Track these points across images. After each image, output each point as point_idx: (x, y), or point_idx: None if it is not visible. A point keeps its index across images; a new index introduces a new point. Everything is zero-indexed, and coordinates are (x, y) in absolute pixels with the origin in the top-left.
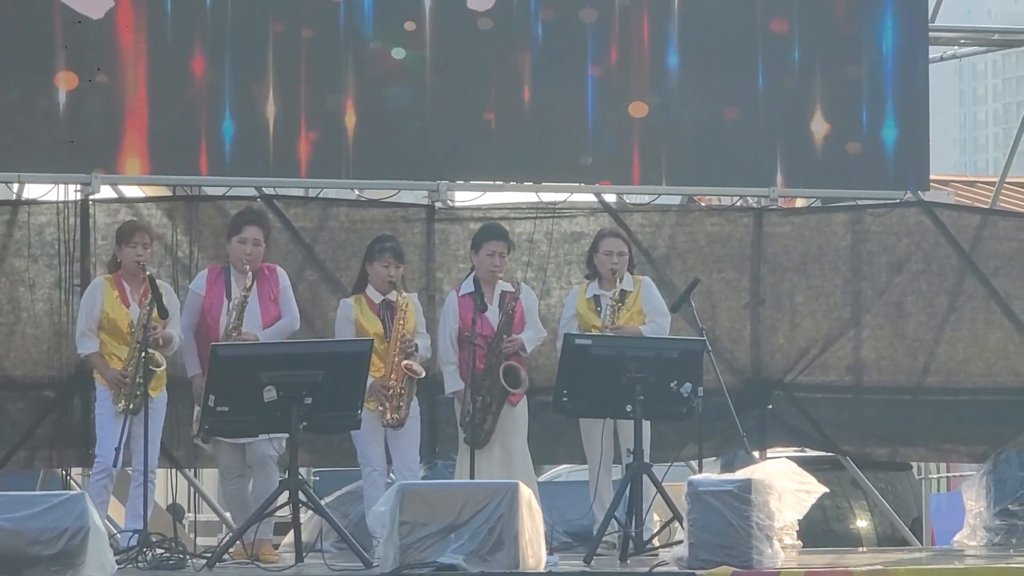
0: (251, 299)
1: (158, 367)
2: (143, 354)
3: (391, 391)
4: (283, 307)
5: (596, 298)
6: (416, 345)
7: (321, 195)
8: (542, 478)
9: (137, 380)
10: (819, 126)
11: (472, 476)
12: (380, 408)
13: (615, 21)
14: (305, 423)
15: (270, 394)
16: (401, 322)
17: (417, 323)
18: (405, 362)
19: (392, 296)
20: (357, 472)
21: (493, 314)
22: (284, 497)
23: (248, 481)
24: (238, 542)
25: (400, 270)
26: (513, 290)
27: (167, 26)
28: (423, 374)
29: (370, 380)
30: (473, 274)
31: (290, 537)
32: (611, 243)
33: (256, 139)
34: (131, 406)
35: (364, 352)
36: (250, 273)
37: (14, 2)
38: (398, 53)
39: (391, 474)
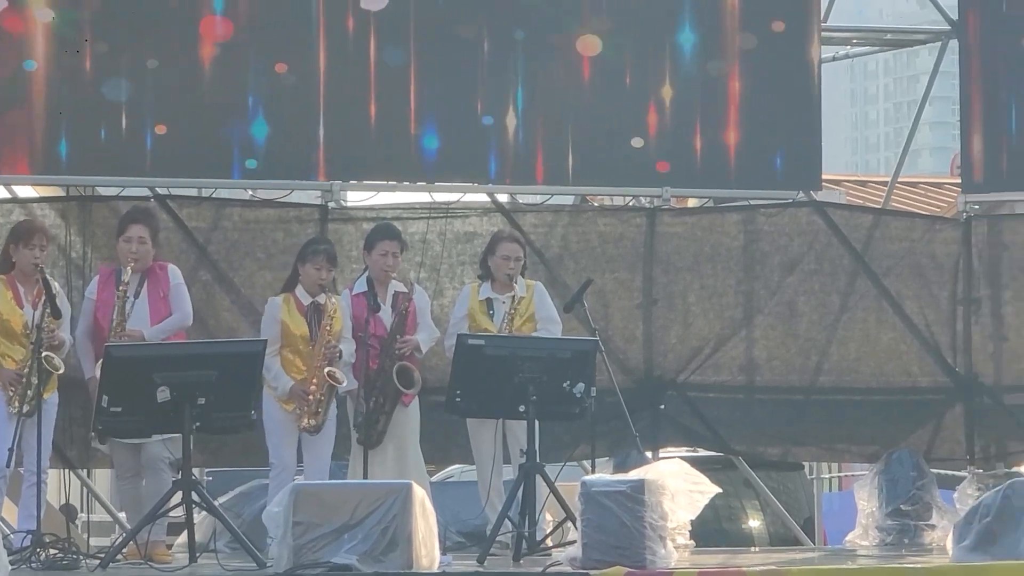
0: (140, 298)
1: (56, 370)
2: (39, 356)
3: (311, 396)
4: (174, 304)
5: (489, 301)
6: (340, 351)
7: (214, 195)
8: (435, 478)
9: (32, 381)
10: (713, 127)
11: (365, 476)
12: (298, 411)
13: None
14: (198, 423)
15: (163, 394)
16: (328, 327)
17: (344, 327)
18: (328, 369)
19: (321, 299)
20: (251, 472)
21: (386, 314)
22: (178, 497)
23: (143, 480)
24: (132, 542)
25: (332, 274)
26: (406, 290)
27: (59, 23)
28: (345, 383)
29: (291, 383)
30: (366, 274)
31: (183, 537)
32: (508, 247)
33: (151, 139)
34: (25, 408)
35: (258, 353)
36: (130, 270)
37: None
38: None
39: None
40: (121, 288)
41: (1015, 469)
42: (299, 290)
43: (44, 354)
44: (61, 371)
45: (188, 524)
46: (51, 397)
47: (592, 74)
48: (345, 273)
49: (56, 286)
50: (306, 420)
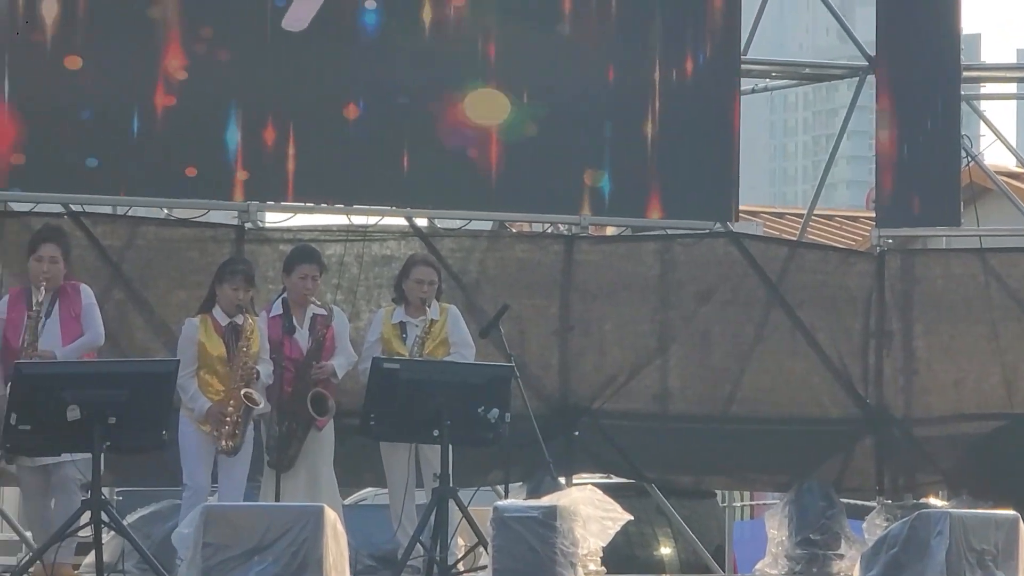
0: (51, 318)
1: None
2: None
3: (228, 418)
4: (86, 324)
5: (402, 324)
6: (258, 372)
7: (130, 213)
8: (347, 501)
9: None
10: (634, 153)
11: (277, 499)
12: (215, 434)
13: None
14: (108, 443)
15: (73, 413)
16: (245, 348)
17: (261, 348)
18: (245, 391)
19: (239, 319)
20: (161, 492)
21: (302, 337)
22: (86, 517)
23: (51, 500)
24: (38, 562)
25: (249, 294)
26: (325, 313)
27: None
28: (261, 404)
29: (208, 404)
30: (283, 296)
31: (91, 558)
32: (422, 271)
33: (66, 153)
34: None
35: (170, 373)
36: (43, 289)
37: None
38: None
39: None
40: (34, 309)
41: (922, 500)
42: (216, 311)
43: None
44: None
45: (96, 544)
46: None
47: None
48: (261, 295)
49: None
50: (224, 442)
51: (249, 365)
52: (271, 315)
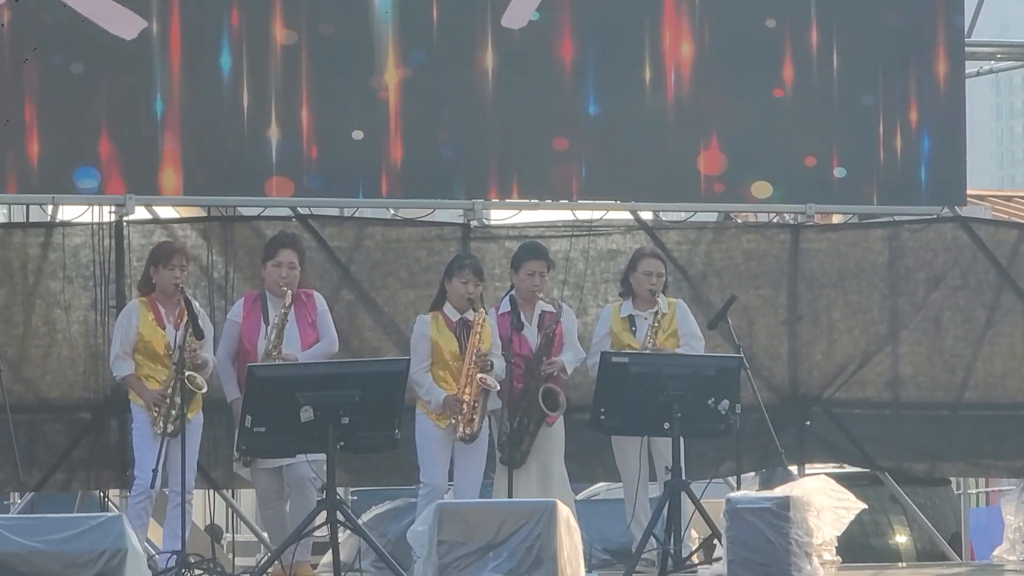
0: (288, 324)
1: (200, 390)
2: (182, 376)
3: (465, 404)
4: (321, 330)
5: (631, 318)
6: (492, 362)
7: (356, 215)
8: (580, 496)
9: (175, 401)
10: (857, 141)
11: (510, 495)
12: (452, 422)
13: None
14: (342, 443)
15: (307, 414)
16: (477, 338)
17: (493, 344)
18: (480, 375)
19: (469, 315)
20: (395, 491)
21: (531, 333)
22: (322, 517)
23: (286, 504)
24: (276, 562)
25: (479, 288)
26: (554, 310)
27: (202, 46)
28: (497, 387)
29: (444, 395)
30: (511, 293)
31: (328, 557)
32: (650, 263)
33: (294, 158)
34: (170, 428)
35: (401, 372)
36: (288, 292)
37: (54, 23)
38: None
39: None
40: (282, 311)
41: None
42: (447, 307)
43: (187, 374)
44: (204, 391)
45: (333, 544)
46: (195, 417)
47: None
48: (488, 292)
49: (197, 306)
50: (462, 429)
51: (483, 352)
52: (500, 312)
